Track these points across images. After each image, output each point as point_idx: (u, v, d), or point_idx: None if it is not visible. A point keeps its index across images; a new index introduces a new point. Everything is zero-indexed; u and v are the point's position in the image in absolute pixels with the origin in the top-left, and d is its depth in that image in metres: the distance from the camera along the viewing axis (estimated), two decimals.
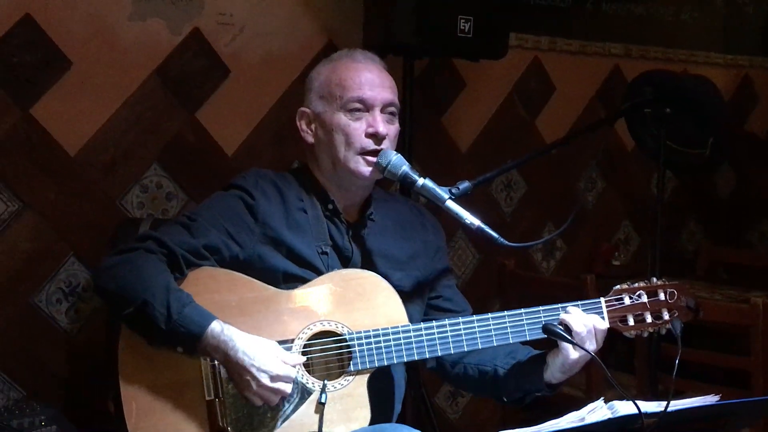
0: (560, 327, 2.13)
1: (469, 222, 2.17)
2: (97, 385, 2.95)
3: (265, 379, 2.01)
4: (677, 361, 1.99)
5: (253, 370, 2.01)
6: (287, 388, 2.03)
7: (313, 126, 2.29)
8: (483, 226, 2.17)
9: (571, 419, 1.82)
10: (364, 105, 2.23)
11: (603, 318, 2.21)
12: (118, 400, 2.07)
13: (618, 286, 2.27)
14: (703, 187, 5.04)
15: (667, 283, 2.30)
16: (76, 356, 3.11)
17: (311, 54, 3.49)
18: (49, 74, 3.03)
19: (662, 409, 1.82)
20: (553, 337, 2.13)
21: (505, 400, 2.31)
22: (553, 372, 2.18)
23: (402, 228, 2.39)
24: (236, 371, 2.02)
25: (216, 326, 2.02)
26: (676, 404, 1.85)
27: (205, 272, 2.15)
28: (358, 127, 2.22)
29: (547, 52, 4.26)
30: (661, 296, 2.28)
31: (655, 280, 2.30)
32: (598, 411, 1.83)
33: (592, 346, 2.14)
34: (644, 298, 2.26)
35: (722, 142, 3.34)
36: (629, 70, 4.39)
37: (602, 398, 1.87)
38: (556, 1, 4.25)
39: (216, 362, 2.08)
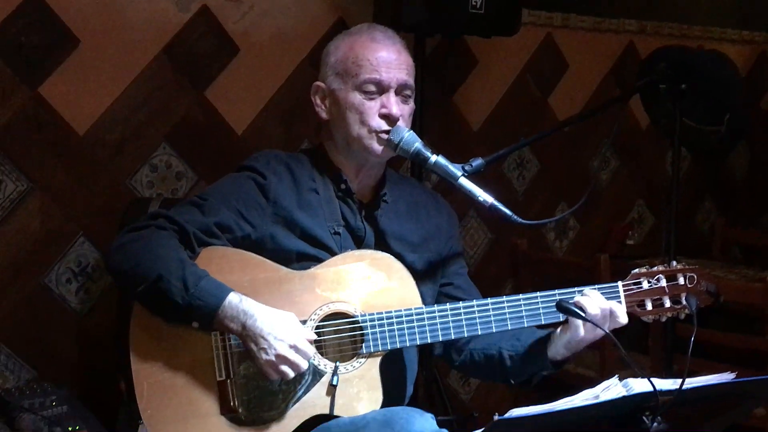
0: (575, 305, 2.10)
1: (482, 199, 2.15)
2: (108, 365, 2.96)
3: (282, 348, 1.99)
4: (692, 340, 1.96)
5: (270, 339, 1.99)
6: (303, 361, 2.02)
7: (327, 102, 2.27)
8: (496, 203, 2.15)
9: (585, 397, 1.79)
10: (380, 86, 2.20)
11: (620, 302, 2.17)
12: (129, 380, 2.07)
13: (636, 270, 2.23)
14: (719, 166, 5.00)
15: (687, 267, 2.26)
16: (86, 336, 3.11)
17: (321, 32, 3.46)
18: (56, 53, 3.01)
19: (677, 386, 1.79)
20: (568, 315, 2.10)
21: (513, 382, 2.29)
22: (558, 349, 2.16)
23: (415, 210, 2.37)
24: (253, 340, 2.01)
25: (234, 297, 2.02)
26: (692, 382, 1.83)
27: (217, 252, 2.14)
28: (372, 107, 2.20)
29: (560, 28, 4.22)
30: (681, 281, 2.24)
31: (675, 263, 2.26)
32: (612, 389, 1.81)
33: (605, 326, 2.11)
34: (663, 283, 2.22)
35: (738, 119, 3.30)
36: (644, 46, 4.36)
37: (617, 376, 1.85)
38: None
39: (228, 340, 2.07)
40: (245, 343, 2.03)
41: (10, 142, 2.95)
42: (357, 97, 2.21)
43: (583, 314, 2.08)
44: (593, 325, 2.07)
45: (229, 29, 3.34)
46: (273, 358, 2.00)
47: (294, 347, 2.00)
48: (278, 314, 2.04)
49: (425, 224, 2.37)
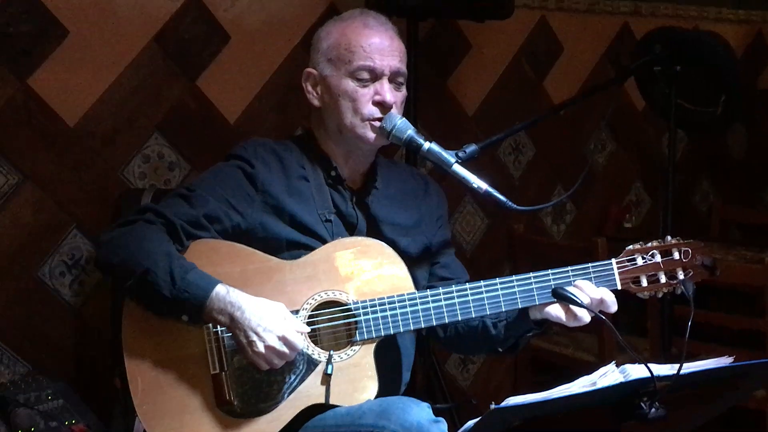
0: (569, 290, 2.08)
1: (476, 186, 2.14)
2: (104, 358, 2.95)
3: (271, 339, 1.98)
4: (689, 323, 1.95)
5: (260, 330, 1.98)
6: (293, 350, 2.01)
7: (319, 88, 2.26)
8: (491, 189, 2.14)
9: (582, 384, 1.78)
10: (373, 73, 2.19)
11: (615, 283, 2.16)
12: (124, 376, 2.06)
13: (630, 246, 2.22)
14: (716, 147, 4.98)
15: (681, 241, 2.24)
16: (81, 329, 3.10)
17: (313, 18, 3.43)
18: (45, 44, 2.98)
19: (675, 372, 1.78)
20: (563, 301, 2.10)
21: (501, 350, 2.28)
22: (541, 309, 2.14)
23: (406, 195, 2.37)
24: (242, 332, 2.00)
25: (221, 289, 2.01)
26: (689, 367, 1.82)
27: (207, 245, 2.13)
28: (365, 93, 2.19)
29: (554, 11, 4.19)
30: (676, 255, 2.22)
31: (669, 238, 2.24)
32: (609, 375, 1.80)
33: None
34: (658, 258, 2.21)
35: (734, 99, 3.28)
36: (639, 28, 4.33)
37: (614, 362, 1.84)
38: None
39: (220, 332, 2.06)
40: (234, 335, 2.02)
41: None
42: (350, 84, 2.19)
43: (579, 300, 2.07)
44: (593, 312, 2.07)
45: (219, 17, 3.31)
46: (262, 350, 1.99)
47: (283, 338, 1.99)
48: (267, 305, 2.02)
49: (416, 208, 2.36)
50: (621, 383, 1.77)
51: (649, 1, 4.48)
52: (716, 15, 4.73)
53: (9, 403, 2.59)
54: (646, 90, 3.50)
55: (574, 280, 2.14)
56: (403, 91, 2.25)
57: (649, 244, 2.22)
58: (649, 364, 1.77)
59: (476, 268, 3.96)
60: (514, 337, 2.25)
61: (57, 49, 3.00)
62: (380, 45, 2.20)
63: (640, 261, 2.20)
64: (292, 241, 2.17)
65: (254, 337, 1.99)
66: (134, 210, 2.16)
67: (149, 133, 3.21)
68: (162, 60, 3.20)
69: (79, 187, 3.07)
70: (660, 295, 2.23)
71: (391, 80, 2.20)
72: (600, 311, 2.12)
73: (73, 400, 2.70)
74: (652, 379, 1.75)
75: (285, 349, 1.99)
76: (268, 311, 2.01)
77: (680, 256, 2.22)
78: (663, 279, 2.21)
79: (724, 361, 1.88)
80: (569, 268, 2.16)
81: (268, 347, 1.99)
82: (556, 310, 2.13)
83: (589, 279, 2.15)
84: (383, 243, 2.20)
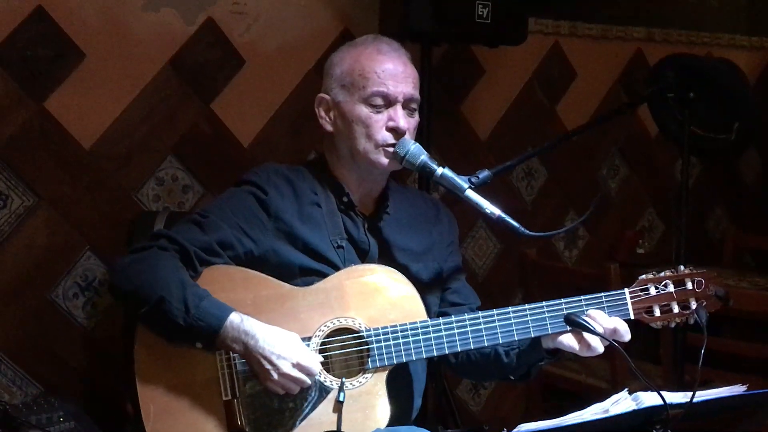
0: (583, 317, 2.08)
1: (489, 212, 2.14)
2: (116, 381, 2.95)
3: (285, 367, 1.98)
4: (703, 351, 1.94)
5: (273, 358, 1.98)
6: (308, 377, 2.00)
7: (332, 114, 2.26)
8: (503, 215, 2.14)
9: (594, 411, 1.78)
10: (387, 99, 2.19)
11: (628, 312, 2.16)
12: (135, 401, 2.06)
13: (643, 276, 2.21)
14: (729, 173, 4.96)
15: (694, 271, 2.23)
16: (93, 351, 3.10)
17: (327, 42, 3.45)
18: (62, 67, 3.01)
19: (688, 399, 1.77)
20: (576, 328, 2.09)
21: (512, 378, 2.28)
22: (554, 339, 2.14)
23: (417, 220, 2.36)
24: (256, 360, 2.00)
25: (235, 318, 2.01)
26: (702, 395, 1.81)
27: (220, 271, 2.13)
28: (379, 120, 2.19)
29: (567, 37, 4.20)
30: (689, 285, 2.22)
31: (682, 268, 2.24)
32: (622, 402, 1.79)
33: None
34: (671, 288, 2.20)
35: (748, 126, 3.27)
36: (652, 54, 4.33)
37: (626, 389, 1.83)
38: None
39: (233, 359, 2.05)
40: (249, 363, 2.02)
41: (16, 157, 2.96)
42: (364, 110, 2.19)
43: (591, 327, 2.06)
44: (605, 339, 2.06)
45: (234, 41, 3.33)
46: (277, 378, 1.99)
47: (297, 365, 1.99)
48: (280, 333, 2.02)
49: (428, 233, 2.36)
50: (634, 411, 1.76)
51: (663, 27, 4.48)
52: (729, 41, 4.73)
53: (21, 424, 2.59)
54: (659, 116, 3.50)
55: (586, 310, 2.13)
56: (416, 116, 2.26)
57: (662, 274, 2.21)
58: (662, 392, 1.76)
59: (488, 292, 3.95)
60: (526, 366, 2.24)
61: (73, 72, 3.03)
62: (394, 71, 2.20)
63: (653, 291, 2.19)
64: (304, 267, 2.17)
65: (268, 366, 1.99)
66: (148, 236, 2.16)
67: (164, 156, 3.23)
68: (177, 83, 3.23)
69: (93, 209, 3.09)
70: (673, 325, 2.22)
71: (404, 106, 2.21)
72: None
73: (84, 421, 2.70)
74: (665, 406, 1.74)
75: (300, 376, 1.99)
76: (281, 339, 2.01)
77: (693, 286, 2.22)
78: (676, 309, 2.20)
79: (737, 389, 1.87)
80: (582, 297, 2.15)
81: (283, 374, 1.98)
82: (569, 340, 2.12)
83: (602, 308, 2.14)
84: (394, 269, 2.19)
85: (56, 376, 3.03)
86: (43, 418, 2.65)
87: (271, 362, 1.98)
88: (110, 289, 2.18)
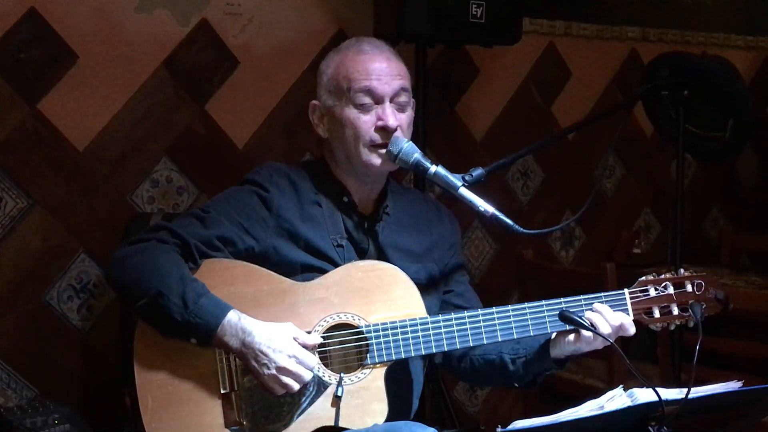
0: (579, 315, 2.07)
1: (483, 209, 2.14)
2: (111, 382, 2.94)
3: (282, 360, 1.98)
4: (698, 347, 1.93)
5: (269, 352, 1.98)
6: (305, 370, 2.00)
7: (325, 120, 2.27)
8: (497, 213, 2.14)
9: (590, 407, 1.77)
10: (373, 97, 2.19)
11: (628, 313, 2.15)
12: (134, 394, 2.05)
13: (643, 278, 2.21)
14: (725, 172, 4.96)
15: (694, 274, 2.24)
16: (88, 354, 3.10)
17: (321, 44, 3.44)
18: (55, 69, 3.01)
19: (683, 396, 1.76)
20: (572, 325, 2.08)
21: (517, 385, 2.28)
22: (563, 347, 2.14)
23: (417, 221, 2.36)
24: (252, 356, 1.99)
25: (233, 316, 2.01)
26: (698, 391, 1.80)
27: (221, 264, 2.13)
28: (367, 120, 2.19)
29: (562, 36, 4.20)
30: (689, 288, 2.22)
31: (682, 271, 2.24)
32: (617, 399, 1.80)
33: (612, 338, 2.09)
34: (671, 290, 2.20)
35: (743, 124, 3.27)
36: (646, 53, 4.32)
37: (621, 386, 1.82)
38: None
39: (231, 354, 2.05)
40: (246, 360, 2.02)
41: (9, 159, 2.95)
42: (352, 112, 2.20)
43: (587, 324, 2.05)
44: (602, 336, 2.06)
45: (228, 42, 3.33)
46: (274, 372, 1.98)
47: (294, 357, 1.99)
48: (275, 327, 2.02)
49: (428, 234, 2.36)
50: (629, 407, 1.76)
51: (657, 27, 4.48)
52: (724, 41, 4.73)
53: (16, 427, 2.59)
54: (654, 115, 3.50)
55: (586, 309, 2.13)
56: (408, 112, 2.25)
57: (662, 276, 2.22)
58: (657, 389, 1.75)
59: (485, 293, 3.92)
60: (532, 374, 2.23)
61: (67, 74, 3.03)
62: (378, 68, 2.20)
63: (653, 292, 2.19)
64: (305, 264, 2.17)
65: (264, 359, 1.98)
66: (148, 227, 2.16)
67: (158, 157, 3.22)
68: (171, 85, 3.22)
69: (88, 211, 3.08)
70: (672, 327, 2.22)
71: (394, 101, 2.21)
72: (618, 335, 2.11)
73: (79, 424, 2.70)
74: (660, 403, 1.74)
75: (297, 368, 1.99)
76: (277, 332, 2.01)
77: (693, 288, 2.22)
78: (675, 311, 2.20)
79: (733, 385, 1.86)
80: (582, 297, 2.15)
81: (280, 368, 1.98)
82: (572, 344, 2.12)
83: None
84: (396, 267, 2.20)
85: (51, 378, 3.02)
86: (38, 421, 2.64)
87: (267, 356, 1.98)
88: (107, 278, 2.19)
